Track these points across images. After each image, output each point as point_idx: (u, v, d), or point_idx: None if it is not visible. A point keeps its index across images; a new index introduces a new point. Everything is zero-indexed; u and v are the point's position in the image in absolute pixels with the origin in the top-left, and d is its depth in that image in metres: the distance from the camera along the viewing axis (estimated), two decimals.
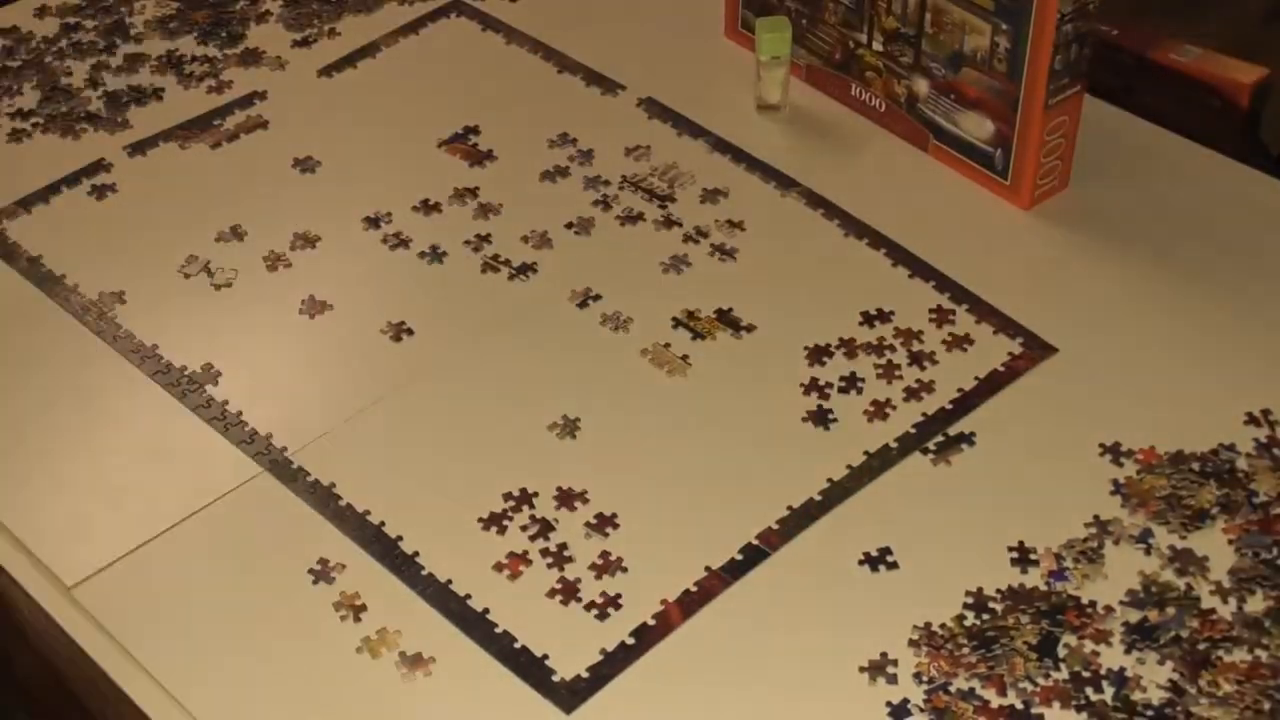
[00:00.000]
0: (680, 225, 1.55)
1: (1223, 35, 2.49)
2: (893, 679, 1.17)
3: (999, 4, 1.45)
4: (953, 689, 1.16)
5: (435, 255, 1.53)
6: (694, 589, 1.24)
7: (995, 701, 1.15)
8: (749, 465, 1.33)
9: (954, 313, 1.45)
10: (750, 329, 1.44)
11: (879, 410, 1.37)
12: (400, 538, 1.28)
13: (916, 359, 1.41)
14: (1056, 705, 1.15)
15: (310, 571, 1.26)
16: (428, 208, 1.58)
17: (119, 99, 1.73)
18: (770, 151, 1.62)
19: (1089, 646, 1.18)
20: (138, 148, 1.66)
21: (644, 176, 1.60)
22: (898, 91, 1.60)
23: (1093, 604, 1.21)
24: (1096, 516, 1.27)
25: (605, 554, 1.26)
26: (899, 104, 1.61)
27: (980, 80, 1.51)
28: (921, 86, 1.57)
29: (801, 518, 1.28)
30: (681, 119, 1.67)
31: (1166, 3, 2.38)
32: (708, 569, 1.25)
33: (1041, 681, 1.16)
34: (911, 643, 1.19)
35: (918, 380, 1.39)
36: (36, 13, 1.86)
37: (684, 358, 1.41)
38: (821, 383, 1.39)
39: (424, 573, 1.25)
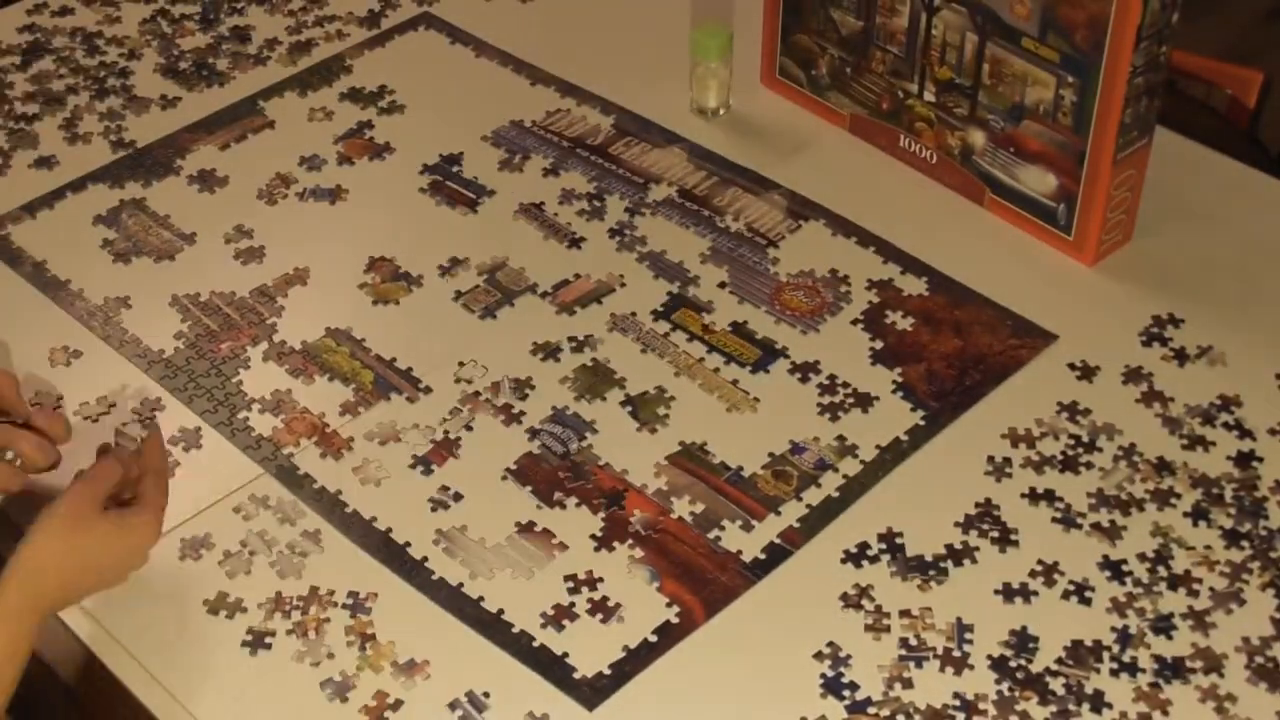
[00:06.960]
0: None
1: (1223, 35, 2.51)
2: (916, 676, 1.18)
3: (1065, 56, 1.40)
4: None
5: (443, 273, 1.52)
6: (718, 587, 1.24)
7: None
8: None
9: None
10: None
11: (889, 406, 1.37)
12: (408, 543, 1.27)
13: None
14: None
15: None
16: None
17: (121, 102, 1.73)
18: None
19: None
20: (139, 153, 1.66)
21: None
22: (951, 143, 1.55)
23: None
24: None
25: (630, 553, 1.26)
26: (952, 156, 1.55)
27: (1043, 133, 1.46)
28: (978, 138, 1.52)
29: (822, 515, 1.29)
30: (693, 144, 1.65)
31: None
32: (732, 567, 1.25)
33: None
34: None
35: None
36: (31, 10, 1.86)
37: (701, 361, 1.41)
38: (832, 383, 1.40)
39: (435, 577, 1.25)
